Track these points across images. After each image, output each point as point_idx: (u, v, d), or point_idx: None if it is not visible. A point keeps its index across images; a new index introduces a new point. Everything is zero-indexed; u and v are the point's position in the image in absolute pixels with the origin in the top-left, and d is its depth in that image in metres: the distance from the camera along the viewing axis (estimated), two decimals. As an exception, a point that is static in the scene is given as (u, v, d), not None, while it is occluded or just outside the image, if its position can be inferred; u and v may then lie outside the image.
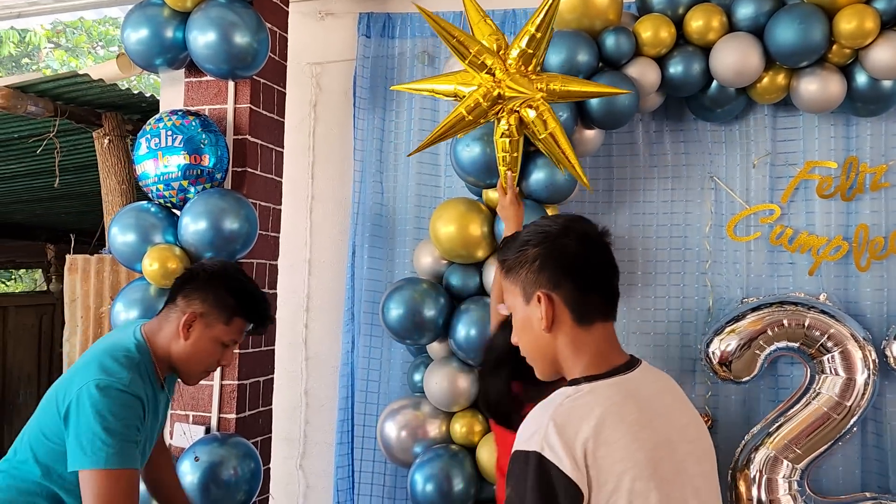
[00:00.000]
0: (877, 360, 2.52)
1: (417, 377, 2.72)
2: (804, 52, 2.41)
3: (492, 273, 2.54)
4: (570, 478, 1.08)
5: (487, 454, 2.47)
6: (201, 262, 1.94)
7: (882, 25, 2.37)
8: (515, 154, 2.30)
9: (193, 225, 2.41)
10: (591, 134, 2.64)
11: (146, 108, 3.92)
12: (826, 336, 2.52)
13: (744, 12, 2.49)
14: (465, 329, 2.49)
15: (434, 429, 2.59)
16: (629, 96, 2.48)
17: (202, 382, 2.34)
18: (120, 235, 2.49)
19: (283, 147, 2.85)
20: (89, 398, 1.61)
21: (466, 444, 2.54)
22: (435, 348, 2.66)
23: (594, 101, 2.49)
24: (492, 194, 2.59)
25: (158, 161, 2.47)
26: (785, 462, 2.48)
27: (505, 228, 2.32)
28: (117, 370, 1.69)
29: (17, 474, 1.72)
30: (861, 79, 2.49)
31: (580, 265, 1.24)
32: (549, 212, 2.60)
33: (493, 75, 2.18)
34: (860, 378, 2.49)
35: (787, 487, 2.48)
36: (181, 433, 2.57)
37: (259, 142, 2.69)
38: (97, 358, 1.73)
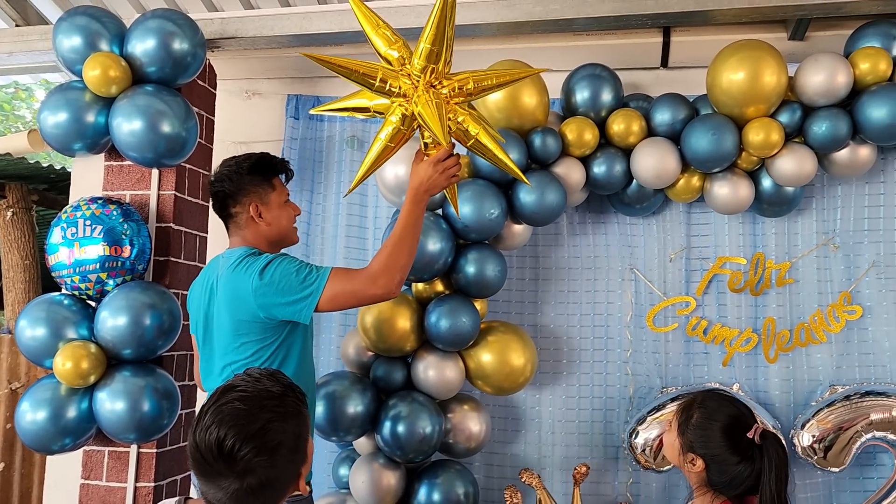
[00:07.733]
0: (786, 450, 2.64)
1: (343, 471, 2.65)
2: (717, 160, 2.56)
3: (419, 366, 2.54)
4: None
5: (416, 554, 2.42)
6: (214, 179, 2.09)
7: (786, 137, 2.55)
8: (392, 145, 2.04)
9: (112, 320, 2.30)
10: (518, 229, 2.70)
11: (55, 178, 3.73)
12: (740, 426, 2.62)
13: (661, 118, 2.64)
14: (391, 425, 2.46)
15: (361, 528, 2.51)
16: (557, 196, 2.56)
17: (115, 484, 2.45)
18: (29, 329, 2.34)
19: (206, 232, 2.77)
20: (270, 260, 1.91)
21: (394, 543, 2.49)
22: (361, 442, 2.60)
23: (526, 200, 2.55)
24: (420, 287, 2.60)
25: (75, 251, 2.36)
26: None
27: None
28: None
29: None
30: (767, 183, 2.67)
31: None
32: (478, 305, 2.63)
33: (405, 96, 1.96)
34: (771, 467, 2.60)
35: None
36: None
37: (183, 229, 2.61)
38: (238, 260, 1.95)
